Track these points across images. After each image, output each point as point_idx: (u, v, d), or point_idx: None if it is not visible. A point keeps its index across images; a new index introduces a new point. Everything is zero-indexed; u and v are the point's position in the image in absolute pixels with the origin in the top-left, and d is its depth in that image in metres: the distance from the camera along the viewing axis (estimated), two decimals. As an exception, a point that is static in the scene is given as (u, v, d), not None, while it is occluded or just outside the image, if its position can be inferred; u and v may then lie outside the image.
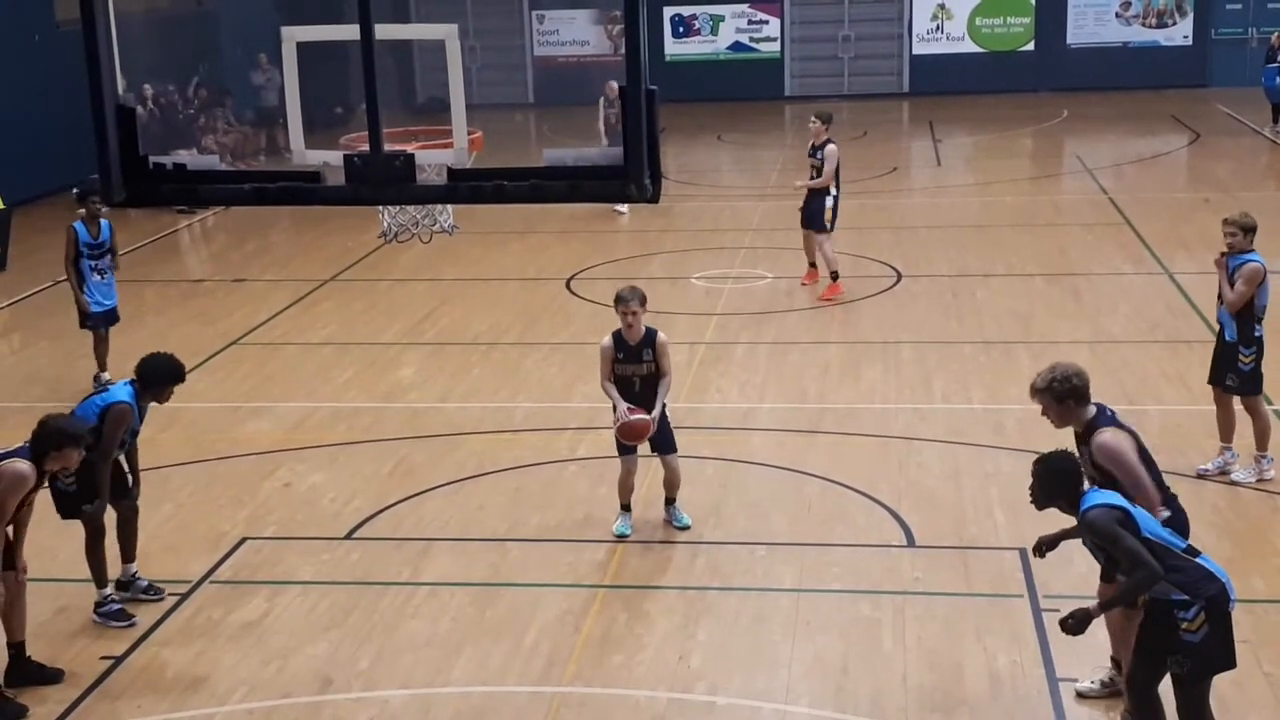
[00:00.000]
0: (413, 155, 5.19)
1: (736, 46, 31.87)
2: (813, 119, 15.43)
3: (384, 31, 5.01)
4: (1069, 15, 30.90)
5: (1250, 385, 9.77)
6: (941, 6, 31.27)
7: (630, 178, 4.88)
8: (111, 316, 12.55)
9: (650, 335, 9.13)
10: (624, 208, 19.63)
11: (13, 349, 15.12)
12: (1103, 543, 6.22)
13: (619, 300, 9.10)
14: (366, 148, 5.12)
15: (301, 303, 15.68)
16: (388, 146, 5.14)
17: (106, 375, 12.26)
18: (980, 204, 20.34)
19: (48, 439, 7.41)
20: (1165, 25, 30.78)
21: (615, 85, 18.09)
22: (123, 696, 7.56)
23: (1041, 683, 7.41)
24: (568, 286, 15.83)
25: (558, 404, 11.94)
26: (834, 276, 15.00)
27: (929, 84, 30.98)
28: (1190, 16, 30.62)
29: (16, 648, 7.67)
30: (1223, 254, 9.76)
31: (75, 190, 12.41)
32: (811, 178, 15.26)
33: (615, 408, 9.06)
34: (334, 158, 5.24)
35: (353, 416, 11.84)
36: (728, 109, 28.99)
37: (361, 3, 4.85)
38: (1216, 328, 10.08)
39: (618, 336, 9.11)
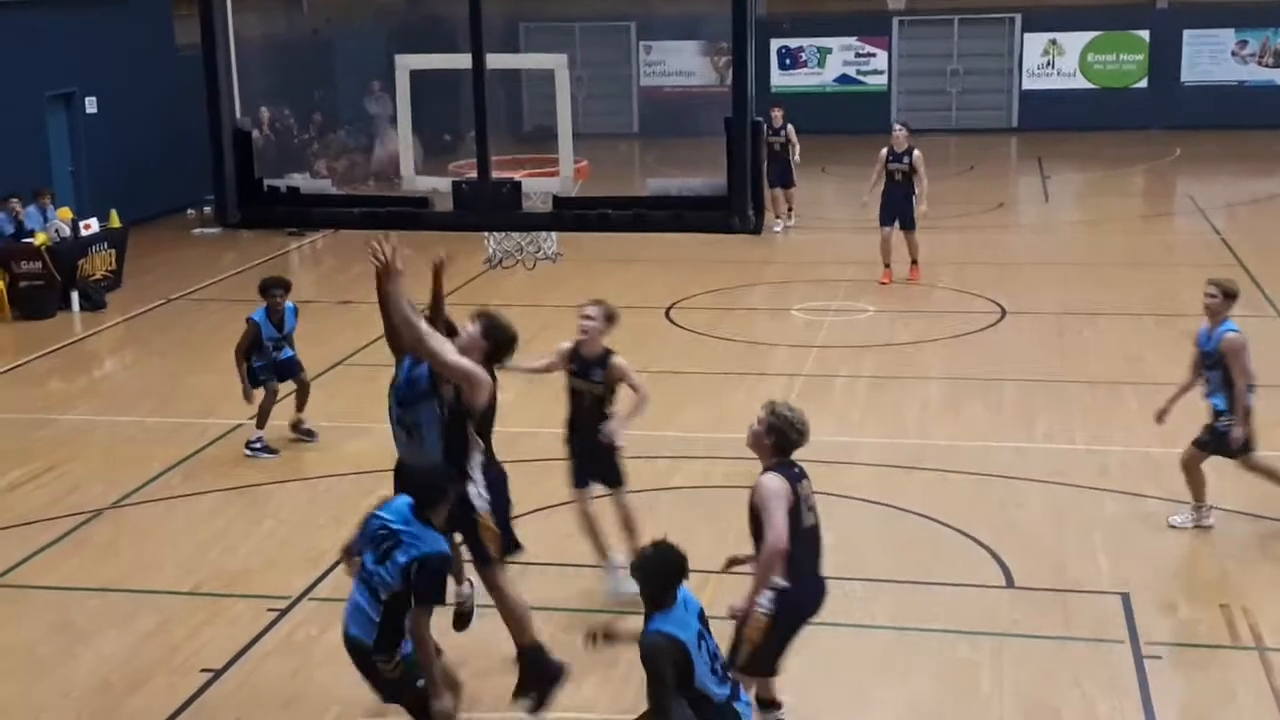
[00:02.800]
0: (519, 183, 5.24)
1: (843, 79, 31.79)
2: (899, 125, 17.11)
3: (495, 61, 5.07)
4: (1184, 53, 30.39)
5: (1218, 444, 9.44)
6: (1053, 42, 30.94)
7: (733, 209, 4.88)
8: (287, 369, 11.83)
9: (604, 355, 8.61)
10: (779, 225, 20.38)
11: (125, 365, 15.49)
12: (648, 671, 6.05)
13: (581, 308, 8.66)
14: (474, 175, 5.19)
15: (405, 325, 15.85)
16: (495, 174, 5.20)
17: (305, 421, 11.92)
18: (1089, 241, 20.03)
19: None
20: (1282, 64, 30.19)
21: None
22: (220, 710, 7.67)
23: (1142, 732, 7.24)
24: (667, 315, 15.84)
25: (652, 432, 11.91)
26: (914, 262, 17.11)
27: (1038, 119, 30.62)
28: (1309, 55, 30.00)
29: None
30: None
31: (260, 283, 11.79)
32: (896, 179, 16.69)
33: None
34: (443, 184, 5.32)
35: (452, 439, 11.91)
36: (833, 141, 28.86)
37: (474, 33, 4.91)
38: None
39: (575, 346, 8.69)
